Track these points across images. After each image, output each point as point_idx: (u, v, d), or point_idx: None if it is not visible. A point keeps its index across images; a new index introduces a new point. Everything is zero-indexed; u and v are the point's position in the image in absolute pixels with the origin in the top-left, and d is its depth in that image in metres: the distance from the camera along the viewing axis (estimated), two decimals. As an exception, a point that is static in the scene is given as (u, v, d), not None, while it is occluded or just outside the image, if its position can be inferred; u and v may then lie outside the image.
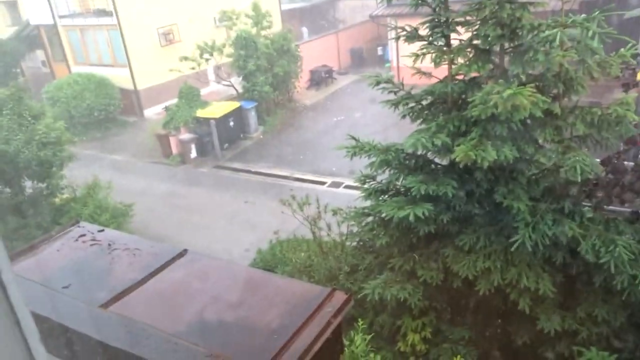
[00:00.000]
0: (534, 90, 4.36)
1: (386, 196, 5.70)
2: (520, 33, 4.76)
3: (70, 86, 18.92)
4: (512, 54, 4.89)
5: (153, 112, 20.37)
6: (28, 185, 9.77)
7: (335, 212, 7.31)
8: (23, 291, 0.93)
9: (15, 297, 0.90)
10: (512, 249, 4.55)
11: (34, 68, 25.70)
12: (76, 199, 10.39)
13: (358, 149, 5.58)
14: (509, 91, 4.28)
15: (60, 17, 21.12)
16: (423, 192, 4.93)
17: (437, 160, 5.50)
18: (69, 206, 10.07)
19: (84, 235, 3.39)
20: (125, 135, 19.10)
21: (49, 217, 9.61)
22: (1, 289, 0.89)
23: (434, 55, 5.22)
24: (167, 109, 17.16)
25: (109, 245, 3.27)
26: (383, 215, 5.23)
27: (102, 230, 3.50)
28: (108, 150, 17.89)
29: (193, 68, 17.14)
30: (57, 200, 10.03)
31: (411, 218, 4.90)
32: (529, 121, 4.84)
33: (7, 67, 22.55)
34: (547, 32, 4.40)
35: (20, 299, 0.91)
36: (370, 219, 5.82)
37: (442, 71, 5.41)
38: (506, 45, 4.95)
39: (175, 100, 17.04)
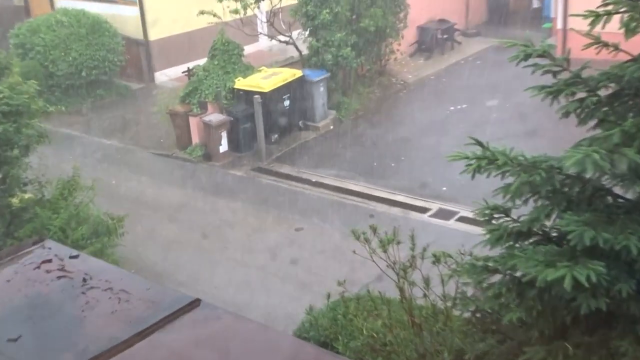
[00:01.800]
0: None
1: (526, 242, 5.59)
2: None
3: (51, 29, 19.72)
4: None
5: (168, 77, 21.16)
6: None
7: (438, 260, 7.16)
8: None
9: None
10: None
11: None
12: (44, 201, 10.79)
13: (485, 160, 5.46)
14: None
15: None
16: (589, 242, 4.70)
17: (616, 191, 5.25)
18: (31, 211, 10.45)
19: (48, 260, 3.46)
20: (126, 108, 19.98)
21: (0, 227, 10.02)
22: None
23: (625, 16, 4.99)
24: (190, 73, 17.75)
25: (84, 280, 3.30)
26: (518, 274, 5.15)
27: (76, 256, 3.56)
28: (98, 130, 18.78)
29: (235, 12, 17.18)
30: (14, 200, 10.43)
31: (567, 284, 4.66)
32: None
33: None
34: None
35: None
36: (496, 278, 5.69)
37: (637, 44, 5.18)
38: None
39: (203, 61, 17.60)
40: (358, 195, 14.48)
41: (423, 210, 13.64)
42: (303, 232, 13.21)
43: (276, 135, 17.04)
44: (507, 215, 5.77)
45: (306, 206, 14.25)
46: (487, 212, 5.82)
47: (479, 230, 6.03)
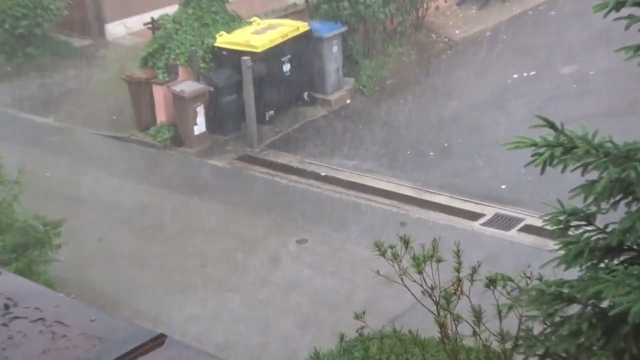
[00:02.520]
0: None
1: (615, 261, 5.62)
2: None
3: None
4: None
5: (125, 30, 21.21)
6: None
7: (494, 284, 7.13)
8: None
9: None
10: None
11: None
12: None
13: (559, 149, 5.46)
14: None
15: None
16: None
17: None
18: None
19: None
20: (66, 73, 20.01)
21: None
22: None
23: None
24: (155, 25, 17.76)
25: (6, 307, 3.29)
26: (604, 304, 5.21)
27: (-4, 275, 3.59)
28: (27, 102, 18.80)
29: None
30: None
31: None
32: None
33: None
34: None
35: None
36: (573, 309, 5.75)
37: None
38: None
39: (173, 9, 17.64)
40: (384, 195, 14.45)
41: (474, 216, 13.64)
42: (308, 246, 13.22)
43: (272, 112, 17.06)
44: (590, 224, 5.77)
45: (312, 210, 14.25)
46: (562, 218, 5.83)
47: (550, 243, 6.11)
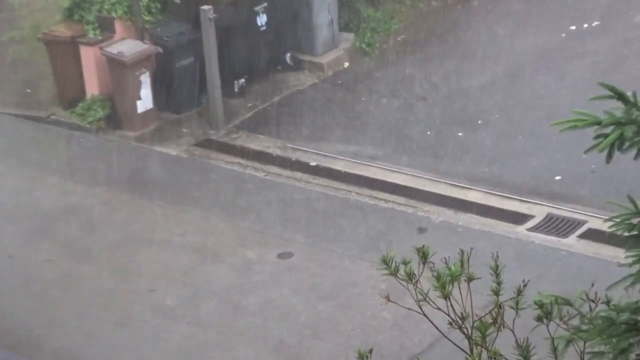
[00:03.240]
0: None
1: None
2: None
3: None
4: None
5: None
6: None
7: (546, 312, 7.22)
8: None
9: None
10: None
11: None
12: None
13: (630, 127, 5.53)
14: None
15: None
16: None
17: None
18: None
19: None
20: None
21: None
22: None
23: None
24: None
25: None
26: None
27: None
28: None
29: None
30: None
31: None
32: None
33: None
34: None
35: None
36: None
37: None
38: None
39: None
40: (396, 191, 14.50)
41: (518, 218, 13.66)
42: (293, 261, 13.21)
43: (243, 81, 17.13)
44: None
45: (299, 212, 14.29)
46: (636, 222, 5.90)
47: (621, 255, 6.07)
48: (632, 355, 5.91)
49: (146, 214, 14.69)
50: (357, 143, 15.78)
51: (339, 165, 15.29)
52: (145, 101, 16.51)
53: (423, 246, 7.07)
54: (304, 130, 16.28)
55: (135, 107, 16.45)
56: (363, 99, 17.05)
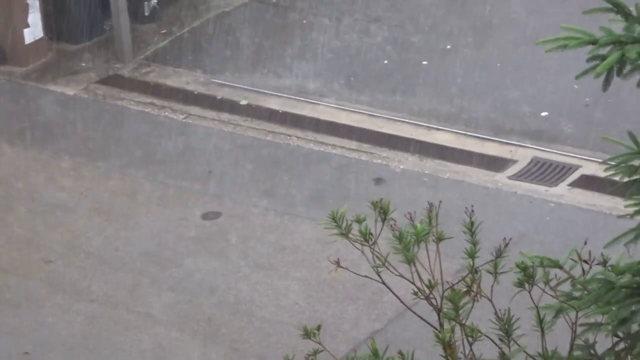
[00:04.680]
0: None
1: None
2: None
3: None
4: None
5: None
6: None
7: (529, 276, 7.04)
8: None
9: None
10: None
11: None
12: None
13: (634, 47, 5.52)
14: None
15: None
16: None
17: None
18: None
19: None
20: None
21: None
22: None
23: None
24: None
25: None
26: None
27: None
28: None
29: None
30: None
31: None
32: None
33: None
34: None
35: None
36: None
37: None
38: None
39: None
40: (347, 134, 14.66)
41: (498, 164, 13.85)
42: (220, 222, 13.30)
43: (154, 2, 17.21)
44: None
45: (227, 163, 14.38)
46: (637, 164, 5.99)
47: (620, 205, 6.40)
48: (635, 326, 6.11)
49: (38, 168, 14.72)
50: (297, 76, 15.98)
51: (276, 104, 15.46)
52: (34, 29, 16.60)
53: (381, 200, 7.22)
54: (231, 62, 16.48)
55: (22, 36, 16.49)
56: (304, 21, 17.24)
